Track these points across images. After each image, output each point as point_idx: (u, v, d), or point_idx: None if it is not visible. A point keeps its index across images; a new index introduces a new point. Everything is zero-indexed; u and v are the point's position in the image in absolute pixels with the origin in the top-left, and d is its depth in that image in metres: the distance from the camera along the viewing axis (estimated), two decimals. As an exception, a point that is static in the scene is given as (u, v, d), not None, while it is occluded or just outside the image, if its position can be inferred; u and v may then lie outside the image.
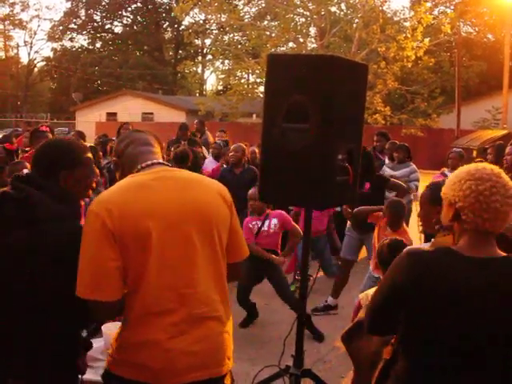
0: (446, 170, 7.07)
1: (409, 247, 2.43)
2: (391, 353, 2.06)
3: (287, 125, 2.53)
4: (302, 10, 22.24)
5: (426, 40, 20.49)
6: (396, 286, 1.84)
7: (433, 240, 2.49)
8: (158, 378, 1.81)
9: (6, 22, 43.87)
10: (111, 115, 30.48)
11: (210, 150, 8.12)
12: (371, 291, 3.17)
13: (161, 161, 2.02)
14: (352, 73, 2.69)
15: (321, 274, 5.93)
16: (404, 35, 19.40)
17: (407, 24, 21.33)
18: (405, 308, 1.83)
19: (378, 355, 2.33)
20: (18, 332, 1.95)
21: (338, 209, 6.99)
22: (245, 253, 2.10)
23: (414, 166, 6.87)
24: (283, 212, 5.04)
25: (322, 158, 2.50)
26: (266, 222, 4.89)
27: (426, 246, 2.29)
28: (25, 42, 54.10)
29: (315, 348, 4.63)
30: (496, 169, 1.79)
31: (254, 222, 4.95)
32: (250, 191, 4.96)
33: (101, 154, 6.41)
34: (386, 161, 7.36)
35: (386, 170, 6.80)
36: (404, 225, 4.68)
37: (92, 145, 7.26)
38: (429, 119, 22.79)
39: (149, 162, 1.98)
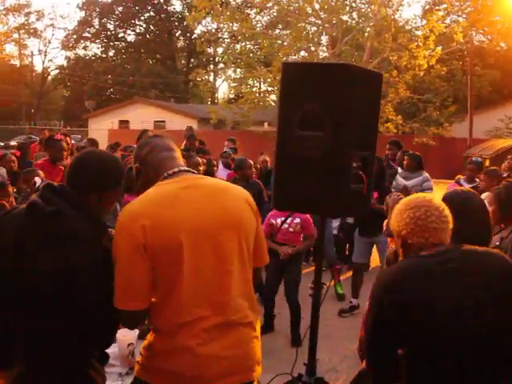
0: (461, 179, 7.03)
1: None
2: None
3: (302, 132, 2.53)
4: (313, 19, 22.28)
5: (438, 49, 20.43)
6: (378, 314, 1.94)
7: None
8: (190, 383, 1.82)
9: (21, 31, 44.41)
10: (123, 123, 30.65)
11: (220, 159, 8.16)
12: None
13: (186, 168, 2.01)
14: (366, 81, 2.68)
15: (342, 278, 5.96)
16: (416, 44, 19.36)
17: (419, 33, 21.32)
18: (395, 333, 1.89)
19: None
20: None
21: (349, 220, 7.02)
22: (266, 259, 2.13)
23: (427, 174, 6.83)
24: (308, 216, 5.02)
25: (337, 165, 2.50)
26: (289, 220, 4.89)
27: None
28: (39, 50, 54.91)
29: (327, 357, 4.60)
30: (427, 196, 2.11)
31: (277, 219, 4.95)
32: None
33: None
34: (399, 170, 7.33)
35: (399, 179, 6.77)
36: None
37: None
38: (441, 128, 22.68)
39: (175, 170, 1.97)
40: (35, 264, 1.84)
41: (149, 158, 2.05)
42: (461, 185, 6.47)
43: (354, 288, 5.80)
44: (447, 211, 2.04)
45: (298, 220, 4.93)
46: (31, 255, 1.86)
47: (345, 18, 23.13)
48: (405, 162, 6.86)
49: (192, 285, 1.81)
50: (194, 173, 2.03)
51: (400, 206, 2.11)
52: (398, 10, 22.04)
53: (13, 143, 8.49)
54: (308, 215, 4.99)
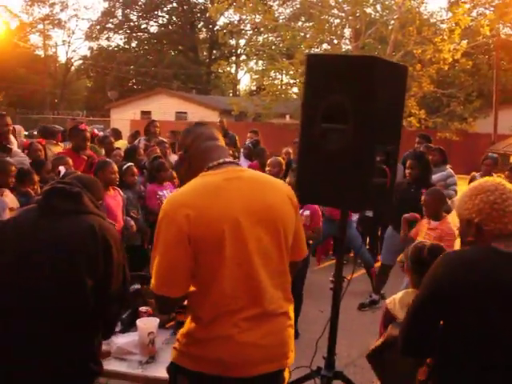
0: (476, 175, 6.93)
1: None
2: (427, 374, 2.04)
3: (326, 125, 2.53)
4: (336, 11, 22.08)
5: (464, 42, 20.10)
6: (436, 286, 1.86)
7: None
8: (229, 370, 1.87)
9: (46, 22, 44.83)
10: (145, 113, 30.81)
11: (242, 151, 8.17)
12: (398, 296, 3.12)
13: (230, 159, 2.04)
14: (392, 74, 2.66)
15: (355, 274, 5.92)
16: (441, 37, 19.05)
17: (444, 26, 20.97)
18: (446, 313, 1.82)
19: (411, 377, 2.29)
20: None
21: (369, 213, 6.97)
22: (304, 252, 2.17)
23: (451, 170, 6.74)
24: (318, 208, 4.97)
25: (360, 159, 2.49)
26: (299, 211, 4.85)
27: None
28: (63, 41, 55.43)
29: (346, 351, 4.59)
30: (496, 179, 1.97)
31: None
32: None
33: (141, 151, 6.49)
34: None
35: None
36: (445, 214, 4.66)
37: (133, 144, 7.38)
38: (465, 123, 22.34)
39: (220, 161, 2.00)
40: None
41: (193, 146, 2.07)
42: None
43: (376, 284, 5.79)
44: None
45: (307, 212, 4.85)
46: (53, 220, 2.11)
47: (368, 10, 22.87)
48: (430, 157, 6.77)
49: (233, 275, 1.85)
50: (237, 164, 2.06)
51: (468, 192, 1.98)
52: (422, 3, 21.67)
53: (36, 133, 8.63)
54: (317, 208, 4.94)
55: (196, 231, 1.81)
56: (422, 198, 4.65)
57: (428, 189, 4.94)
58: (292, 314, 2.04)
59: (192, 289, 1.91)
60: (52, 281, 2.02)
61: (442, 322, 1.90)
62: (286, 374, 2.04)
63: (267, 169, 6.27)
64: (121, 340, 2.69)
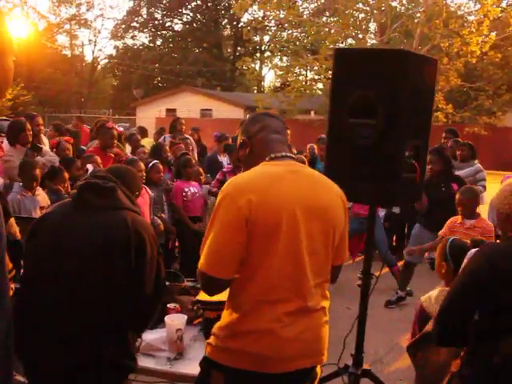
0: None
1: None
2: (459, 365, 2.03)
3: (354, 120, 2.50)
4: (361, 6, 21.86)
5: (493, 34, 19.68)
6: (476, 274, 1.91)
7: None
8: (267, 366, 1.86)
9: (73, 22, 45.45)
10: (171, 111, 31.01)
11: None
12: (434, 293, 3.07)
13: (290, 154, 2.05)
14: (421, 67, 2.61)
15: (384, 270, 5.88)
16: (469, 29, 18.69)
17: (472, 18, 20.57)
18: (484, 301, 1.87)
19: (445, 368, 2.29)
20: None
21: (395, 209, 6.88)
22: (345, 257, 2.17)
23: (479, 165, 6.62)
24: None
25: (389, 154, 2.45)
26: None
27: None
28: (89, 40, 56.26)
29: (373, 348, 4.55)
30: None
31: None
32: None
33: (167, 148, 6.54)
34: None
35: (450, 170, 6.57)
36: (479, 212, 4.60)
37: (159, 142, 7.43)
38: (493, 117, 21.91)
39: (283, 153, 2.02)
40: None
41: (259, 135, 2.08)
42: (518, 176, 6.23)
43: (402, 281, 5.72)
44: None
45: None
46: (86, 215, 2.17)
47: (394, 4, 22.61)
48: (458, 152, 6.66)
49: (281, 265, 1.86)
50: (297, 160, 2.08)
51: (508, 186, 2.05)
52: (450, -5, 21.34)
53: (49, 130, 8.83)
54: None
55: (256, 215, 1.82)
56: (457, 196, 4.58)
57: (457, 183, 4.86)
58: (328, 311, 2.05)
59: (236, 276, 1.90)
60: (84, 271, 2.05)
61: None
62: (318, 371, 2.04)
63: None
64: (149, 336, 2.70)
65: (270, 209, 1.84)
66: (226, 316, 1.96)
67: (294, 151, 7.06)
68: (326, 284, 2.04)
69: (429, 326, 2.68)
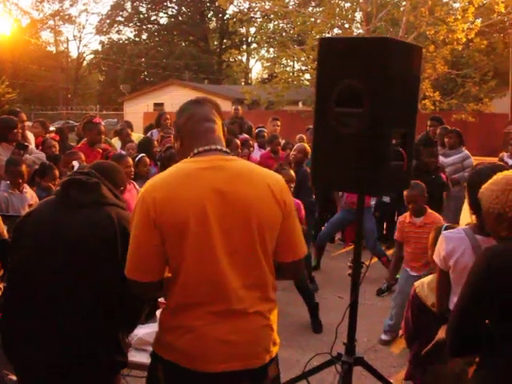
0: (505, 156, 6.83)
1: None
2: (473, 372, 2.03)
3: (340, 109, 2.49)
4: (347, -5, 21.84)
5: (478, 21, 19.71)
6: (475, 280, 1.90)
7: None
8: (194, 364, 1.82)
9: (56, 18, 45.02)
10: (158, 105, 30.84)
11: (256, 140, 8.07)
12: (427, 280, 3.08)
13: (218, 147, 1.94)
14: (406, 55, 2.61)
15: (374, 260, 5.89)
16: (454, 17, 18.72)
17: (457, 5, 20.62)
18: (488, 306, 1.86)
19: (462, 378, 2.28)
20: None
21: (385, 199, 6.90)
22: (299, 253, 1.98)
23: (467, 151, 6.65)
24: (299, 201, 4.92)
25: (376, 142, 2.45)
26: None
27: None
28: (74, 36, 55.73)
29: (365, 337, 4.58)
30: None
31: None
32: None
33: (156, 143, 6.50)
34: (437, 147, 7.15)
35: (439, 158, 6.60)
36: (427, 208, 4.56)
37: (147, 136, 7.39)
38: (480, 104, 22.01)
39: (206, 147, 1.92)
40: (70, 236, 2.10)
41: (186, 127, 2.00)
42: (505, 162, 6.27)
43: (392, 271, 5.70)
44: None
45: None
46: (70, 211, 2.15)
47: (380, -8, 22.57)
48: (446, 139, 6.69)
49: (196, 267, 1.79)
50: (226, 152, 1.95)
51: (500, 185, 2.00)
52: (435, -17, 21.31)
53: (52, 128, 8.67)
54: (298, 200, 4.85)
55: (161, 216, 1.77)
56: (406, 193, 4.46)
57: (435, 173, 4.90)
58: (271, 314, 1.92)
59: (167, 275, 1.88)
60: (71, 268, 2.05)
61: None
62: (272, 372, 1.93)
63: (292, 153, 6.22)
64: (141, 331, 2.70)
65: (174, 208, 1.78)
66: (162, 311, 1.96)
67: (281, 141, 7.04)
68: (267, 285, 1.89)
69: (439, 334, 2.65)
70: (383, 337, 4.63)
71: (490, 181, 2.05)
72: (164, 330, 1.90)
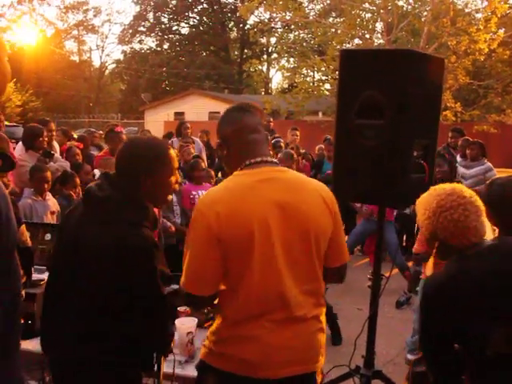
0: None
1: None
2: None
3: (361, 121, 2.49)
4: (368, 5, 21.79)
5: (501, 31, 19.54)
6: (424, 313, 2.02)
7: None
8: (256, 371, 1.85)
9: (80, 28, 45.79)
10: (179, 114, 31.09)
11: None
12: None
13: (268, 159, 1.95)
14: (428, 67, 2.60)
15: (394, 271, 5.85)
16: (476, 27, 18.57)
17: (480, 15, 20.45)
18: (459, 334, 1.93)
19: None
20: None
21: (406, 210, 6.84)
22: (343, 259, 2.08)
23: (489, 163, 6.56)
24: None
25: (397, 154, 2.44)
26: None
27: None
28: (97, 45, 56.62)
29: (384, 349, 4.53)
30: (456, 188, 2.01)
31: None
32: None
33: (176, 151, 6.55)
34: (458, 158, 7.08)
35: (460, 169, 6.54)
36: None
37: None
38: (503, 115, 21.74)
39: (258, 159, 1.92)
40: (86, 239, 1.99)
41: (233, 138, 1.97)
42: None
43: (411, 284, 5.70)
44: (479, 201, 2.00)
45: None
46: (84, 232, 2.01)
47: (400, 3, 22.49)
48: (468, 151, 6.62)
49: (261, 278, 1.82)
50: (276, 164, 1.97)
51: (431, 207, 2.01)
52: (456, -8, 21.20)
53: (74, 136, 8.83)
54: None
55: (226, 231, 1.78)
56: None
57: None
58: (324, 318, 2.00)
59: (222, 287, 1.89)
60: (95, 271, 2.03)
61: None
62: (319, 377, 2.00)
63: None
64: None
65: (238, 222, 1.79)
66: (217, 321, 1.96)
67: (302, 151, 7.04)
68: (320, 291, 1.97)
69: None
70: (409, 356, 4.47)
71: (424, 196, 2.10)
72: (221, 341, 1.91)
